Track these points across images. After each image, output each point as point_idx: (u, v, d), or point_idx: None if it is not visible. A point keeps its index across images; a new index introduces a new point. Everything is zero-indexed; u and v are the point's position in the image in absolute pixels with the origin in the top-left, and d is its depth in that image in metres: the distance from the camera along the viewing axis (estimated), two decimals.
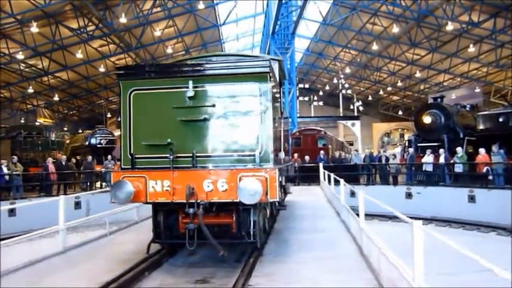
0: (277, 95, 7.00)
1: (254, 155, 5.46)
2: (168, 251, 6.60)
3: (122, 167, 5.90)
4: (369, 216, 16.75)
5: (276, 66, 7.32)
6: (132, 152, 5.82)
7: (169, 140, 5.60)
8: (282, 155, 7.80)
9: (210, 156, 5.65)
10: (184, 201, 5.39)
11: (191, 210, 5.40)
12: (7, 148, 22.36)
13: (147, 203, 5.77)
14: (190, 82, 5.58)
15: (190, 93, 5.56)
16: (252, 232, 5.86)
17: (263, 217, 6.61)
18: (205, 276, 5.54)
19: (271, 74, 5.63)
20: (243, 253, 6.50)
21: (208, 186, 5.41)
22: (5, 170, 16.17)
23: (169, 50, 33.21)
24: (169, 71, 6.10)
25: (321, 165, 17.80)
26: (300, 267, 5.72)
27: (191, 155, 5.60)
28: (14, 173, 16.43)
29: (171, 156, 5.50)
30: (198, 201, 5.37)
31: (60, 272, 6.14)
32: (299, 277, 5.29)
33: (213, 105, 5.62)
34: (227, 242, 6.05)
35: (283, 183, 9.45)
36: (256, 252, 6.17)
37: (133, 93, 5.88)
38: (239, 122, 5.60)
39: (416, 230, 3.90)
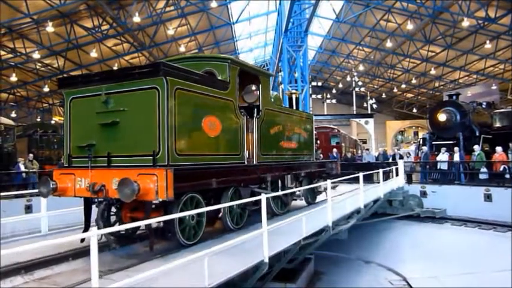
0: (220, 97, 7.09)
1: (152, 156, 5.84)
2: (116, 241, 6.80)
3: (64, 165, 6.79)
4: (387, 215, 16.59)
5: (224, 65, 7.52)
6: (69, 152, 6.70)
7: (91, 142, 6.32)
8: (247, 154, 7.88)
9: (119, 156, 6.20)
10: (95, 196, 6.06)
11: (102, 206, 6.27)
12: (24, 146, 22.67)
13: (75, 196, 6.45)
14: (103, 89, 6.24)
15: (103, 98, 6.22)
16: (173, 230, 6.20)
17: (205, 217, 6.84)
18: (120, 267, 5.49)
19: (168, 78, 5.85)
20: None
21: (115, 184, 5.80)
22: (22, 168, 16.47)
23: (182, 49, 33.42)
24: (92, 80, 6.67)
25: (401, 162, 17.20)
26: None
27: (107, 155, 6.23)
28: (31, 170, 16.72)
29: (90, 156, 6.25)
30: (102, 198, 6.08)
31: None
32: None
33: (123, 110, 6.11)
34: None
35: (287, 183, 9.31)
36: (178, 249, 6.33)
37: (72, 100, 6.71)
38: (142, 124, 6.06)
39: None
